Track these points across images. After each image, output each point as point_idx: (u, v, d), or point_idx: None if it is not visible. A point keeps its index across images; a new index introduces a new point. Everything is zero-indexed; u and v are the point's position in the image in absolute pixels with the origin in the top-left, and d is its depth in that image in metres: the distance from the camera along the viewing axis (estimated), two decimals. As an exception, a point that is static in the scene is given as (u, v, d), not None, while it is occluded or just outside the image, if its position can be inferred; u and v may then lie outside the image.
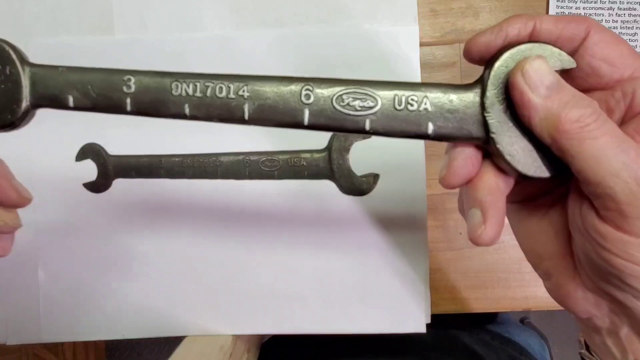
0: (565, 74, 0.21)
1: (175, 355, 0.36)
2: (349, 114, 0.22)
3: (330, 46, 0.38)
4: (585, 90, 0.21)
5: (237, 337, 0.39)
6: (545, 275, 0.24)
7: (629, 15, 0.38)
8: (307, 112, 0.23)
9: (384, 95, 0.22)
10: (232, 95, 0.23)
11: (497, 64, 0.21)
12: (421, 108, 0.22)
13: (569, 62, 0.21)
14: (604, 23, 0.38)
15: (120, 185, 0.39)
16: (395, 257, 0.38)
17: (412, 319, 0.38)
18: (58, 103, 0.24)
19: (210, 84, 0.23)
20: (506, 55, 0.21)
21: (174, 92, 0.23)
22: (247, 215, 0.38)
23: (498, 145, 0.21)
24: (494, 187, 0.21)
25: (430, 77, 0.39)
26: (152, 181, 0.38)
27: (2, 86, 0.24)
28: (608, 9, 0.38)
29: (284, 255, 0.38)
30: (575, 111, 0.19)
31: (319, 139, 0.38)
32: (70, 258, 0.39)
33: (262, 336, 0.49)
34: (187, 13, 0.38)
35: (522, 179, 0.22)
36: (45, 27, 0.39)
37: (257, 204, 0.38)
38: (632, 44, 0.38)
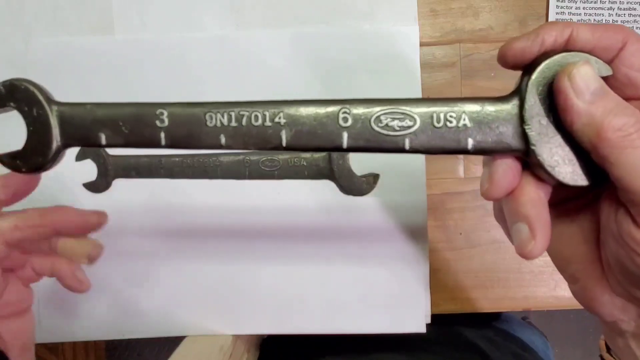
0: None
1: (175, 355, 0.36)
2: (389, 135, 0.22)
3: (330, 46, 0.38)
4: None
5: (237, 337, 0.39)
6: (572, 279, 0.24)
7: (629, 15, 0.38)
8: (345, 136, 0.22)
9: (422, 114, 0.22)
10: (268, 123, 0.22)
11: (535, 75, 0.21)
12: (460, 124, 0.21)
13: (605, 70, 0.20)
14: (603, 23, 0.38)
15: (120, 185, 0.39)
16: (395, 257, 0.38)
17: (412, 319, 0.38)
18: (90, 142, 0.24)
19: (246, 113, 0.22)
20: (543, 65, 0.21)
21: (208, 123, 0.23)
22: (247, 215, 0.38)
23: (539, 157, 0.21)
24: (536, 199, 0.21)
25: (430, 77, 0.39)
26: (152, 181, 0.38)
27: (31, 128, 0.24)
28: (608, 9, 0.38)
29: (284, 255, 0.38)
30: (618, 119, 0.19)
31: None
32: (70, 258, 0.39)
33: (262, 336, 0.49)
34: (187, 13, 0.38)
35: (560, 187, 0.22)
36: (45, 27, 0.39)
37: (257, 204, 0.38)
38: (632, 44, 0.38)
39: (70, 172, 0.38)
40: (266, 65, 0.38)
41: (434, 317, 0.38)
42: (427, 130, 0.22)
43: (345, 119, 0.22)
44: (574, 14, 0.38)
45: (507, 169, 0.22)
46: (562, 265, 0.24)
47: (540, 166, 0.21)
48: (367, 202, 0.38)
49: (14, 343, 0.29)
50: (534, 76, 0.21)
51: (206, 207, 0.38)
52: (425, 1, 0.38)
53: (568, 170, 0.21)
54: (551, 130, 0.21)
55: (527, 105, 0.21)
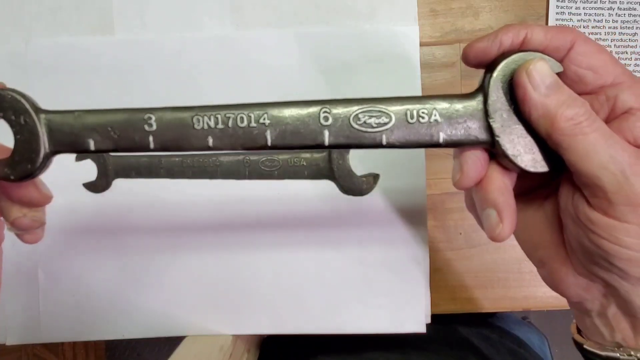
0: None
1: (175, 355, 0.36)
2: (367, 131, 0.23)
3: (330, 46, 0.38)
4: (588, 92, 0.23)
5: (237, 337, 0.39)
6: (540, 263, 0.26)
7: (629, 15, 0.38)
8: (327, 133, 0.24)
9: (397, 111, 0.23)
10: (253, 124, 0.24)
11: (496, 73, 0.23)
12: (431, 120, 0.23)
13: (557, 67, 0.22)
14: (604, 23, 0.38)
15: (120, 185, 0.39)
16: (395, 257, 0.38)
17: (412, 319, 0.38)
18: (78, 148, 0.25)
19: (232, 115, 0.24)
20: (503, 64, 0.23)
21: (196, 126, 0.24)
22: (247, 215, 0.38)
23: (503, 147, 0.23)
24: (502, 186, 0.24)
25: (430, 77, 0.39)
26: (152, 181, 0.38)
27: (19, 136, 0.24)
28: (608, 9, 0.38)
29: (284, 256, 0.38)
30: (570, 110, 0.21)
31: (319, 139, 0.38)
32: (70, 258, 0.39)
33: (262, 336, 0.49)
34: (187, 13, 0.38)
35: (523, 174, 0.24)
36: (45, 27, 0.39)
37: (257, 204, 0.38)
38: (632, 44, 0.38)
39: (70, 172, 0.38)
40: (266, 65, 0.38)
41: (433, 317, 0.38)
42: (401, 126, 0.23)
43: (326, 118, 0.23)
44: (574, 14, 0.38)
45: (476, 159, 0.24)
46: (530, 251, 0.26)
47: (505, 155, 0.23)
48: (367, 202, 0.38)
49: None
50: (495, 74, 0.23)
51: (206, 208, 0.38)
52: (425, 1, 0.38)
53: (529, 158, 0.23)
54: (513, 122, 0.23)
55: (490, 101, 0.23)
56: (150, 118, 0.24)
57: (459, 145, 0.24)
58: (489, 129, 0.23)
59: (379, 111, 0.23)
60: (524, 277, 0.39)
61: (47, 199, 0.27)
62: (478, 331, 0.49)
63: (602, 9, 0.38)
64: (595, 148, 0.21)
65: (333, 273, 0.38)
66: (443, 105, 0.23)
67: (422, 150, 0.37)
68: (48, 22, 0.39)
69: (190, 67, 0.38)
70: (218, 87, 0.38)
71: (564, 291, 0.25)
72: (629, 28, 0.38)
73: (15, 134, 0.24)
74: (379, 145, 0.24)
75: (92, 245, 0.39)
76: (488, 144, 0.23)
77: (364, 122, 0.23)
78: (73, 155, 0.38)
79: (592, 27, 0.38)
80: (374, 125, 0.23)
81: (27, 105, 0.24)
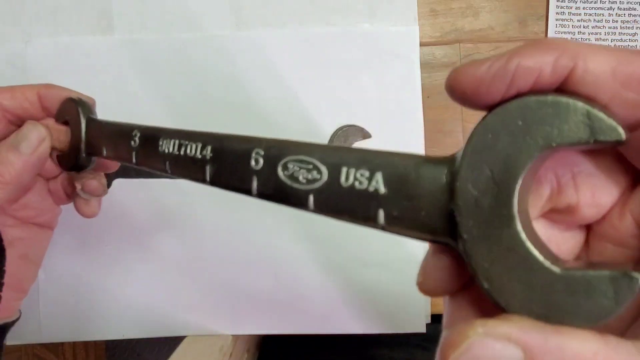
0: (601, 147, 0.13)
1: (175, 355, 0.36)
2: (293, 187, 0.18)
3: (330, 46, 0.38)
4: None
5: (237, 337, 0.39)
6: None
7: (629, 15, 0.38)
8: (254, 180, 0.19)
9: (331, 166, 0.17)
10: (198, 156, 0.21)
11: (479, 130, 0.14)
12: (371, 188, 0.16)
13: (608, 132, 0.12)
14: (604, 23, 0.38)
15: (120, 185, 0.39)
16: (395, 257, 0.38)
17: (413, 319, 0.38)
18: (96, 154, 0.28)
19: (185, 142, 0.22)
20: (492, 115, 0.14)
21: (159, 149, 0.23)
22: (247, 215, 0.38)
23: (470, 261, 0.14)
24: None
25: (430, 77, 0.39)
26: (152, 181, 0.38)
27: (72, 137, 0.28)
28: (608, 9, 0.38)
29: (284, 256, 0.38)
30: None
31: (319, 138, 0.38)
32: (70, 258, 0.39)
33: (262, 336, 0.49)
34: (187, 13, 0.38)
35: None
36: (45, 27, 0.39)
37: (257, 204, 0.38)
38: (632, 44, 0.38)
39: (70, 172, 0.38)
40: (266, 65, 0.38)
41: (433, 317, 0.38)
42: (333, 188, 0.17)
43: (257, 161, 0.19)
44: (574, 14, 0.38)
45: (442, 263, 0.16)
46: None
47: (473, 274, 0.14)
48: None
49: (16, 250, 0.30)
50: (477, 131, 0.14)
51: (206, 207, 0.38)
52: (425, 1, 0.38)
53: (514, 289, 0.13)
54: (497, 223, 0.13)
55: (460, 178, 0.14)
56: (136, 135, 0.25)
57: (406, 234, 0.16)
58: (452, 222, 0.14)
59: (310, 163, 0.17)
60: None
61: (115, 165, 0.31)
62: None
63: (602, 9, 0.38)
64: None
65: (333, 273, 0.38)
66: (391, 166, 0.16)
67: (422, 151, 0.37)
68: (48, 22, 0.39)
69: (190, 67, 0.38)
70: (218, 87, 0.38)
71: None
72: (629, 28, 0.38)
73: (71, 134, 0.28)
74: (305, 208, 0.18)
75: (92, 245, 0.39)
76: (450, 245, 0.15)
77: (292, 174, 0.18)
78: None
79: (592, 27, 0.38)
80: (302, 180, 0.18)
81: (80, 113, 0.28)
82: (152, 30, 0.39)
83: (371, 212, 0.16)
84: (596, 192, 0.15)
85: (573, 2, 0.38)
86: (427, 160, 0.15)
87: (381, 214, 0.16)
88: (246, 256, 0.38)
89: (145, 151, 0.24)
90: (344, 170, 0.17)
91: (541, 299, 0.13)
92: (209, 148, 0.21)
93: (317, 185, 0.17)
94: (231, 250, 0.38)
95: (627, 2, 0.37)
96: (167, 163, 0.23)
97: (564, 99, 0.12)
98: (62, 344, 1.10)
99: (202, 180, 0.21)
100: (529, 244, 0.13)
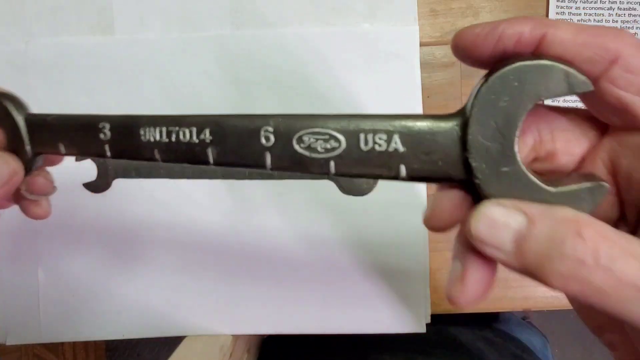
0: (582, 97, 0.18)
1: (175, 355, 0.36)
2: (312, 157, 0.19)
3: (330, 46, 0.38)
4: (617, 129, 0.17)
5: (237, 337, 0.39)
6: (611, 346, 0.20)
7: (629, 15, 0.38)
8: (268, 156, 0.20)
9: (348, 135, 0.19)
10: (195, 140, 0.21)
11: (483, 91, 0.17)
12: (390, 149, 0.18)
13: (584, 85, 0.16)
14: (604, 23, 0.38)
15: (120, 185, 0.39)
16: (395, 257, 0.38)
17: (412, 319, 0.38)
18: (52, 151, 0.25)
19: (173, 129, 0.22)
20: (494, 77, 0.17)
21: (143, 138, 0.22)
22: (247, 215, 0.38)
23: (485, 193, 0.17)
24: None
25: (430, 77, 0.39)
26: (152, 181, 0.38)
27: (8, 137, 0.25)
28: (608, 9, 0.38)
29: (284, 256, 0.38)
30: (558, 264, 0.15)
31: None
32: (70, 258, 0.39)
33: (262, 336, 0.49)
34: (187, 13, 0.38)
35: None
36: (45, 27, 0.39)
37: (257, 204, 0.38)
38: (632, 44, 0.38)
39: (70, 172, 0.38)
40: (266, 65, 0.38)
41: (433, 317, 0.38)
42: (354, 153, 0.19)
43: (267, 138, 0.20)
44: (574, 14, 0.38)
45: (453, 199, 0.18)
46: (597, 332, 0.20)
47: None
48: (367, 202, 0.38)
49: None
50: (480, 92, 0.17)
51: (206, 208, 0.38)
52: (425, 1, 0.38)
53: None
54: (505, 162, 0.17)
55: (471, 129, 0.17)
56: (104, 127, 0.23)
57: (427, 181, 0.19)
58: (468, 167, 0.17)
59: (327, 134, 0.19)
60: (524, 277, 0.39)
61: (59, 159, 0.28)
62: (482, 335, 0.49)
63: (602, 9, 0.38)
64: (607, 290, 0.14)
65: (333, 273, 0.38)
66: (408, 129, 0.18)
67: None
68: (48, 22, 0.39)
69: (190, 67, 0.38)
70: (218, 87, 0.38)
71: None
72: (629, 28, 0.38)
73: (5, 134, 0.25)
74: (327, 173, 0.19)
75: (93, 245, 0.39)
76: (466, 185, 0.18)
77: (309, 145, 0.19)
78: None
79: (592, 27, 0.38)
80: (320, 150, 0.19)
81: (12, 111, 0.24)
82: (152, 30, 0.39)
83: (393, 168, 0.18)
84: (569, 143, 0.19)
85: (573, 2, 0.38)
86: (437, 118, 0.18)
87: (403, 169, 0.18)
88: (246, 256, 0.38)
89: (124, 143, 0.23)
90: (362, 136, 0.18)
91: None
92: (206, 131, 0.21)
93: (337, 152, 0.19)
94: (231, 250, 0.38)
95: (627, 2, 0.37)
96: (156, 151, 0.22)
97: (548, 63, 0.16)
98: (62, 344, 1.10)
99: (203, 162, 0.21)
100: (529, 174, 0.17)
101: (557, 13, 0.38)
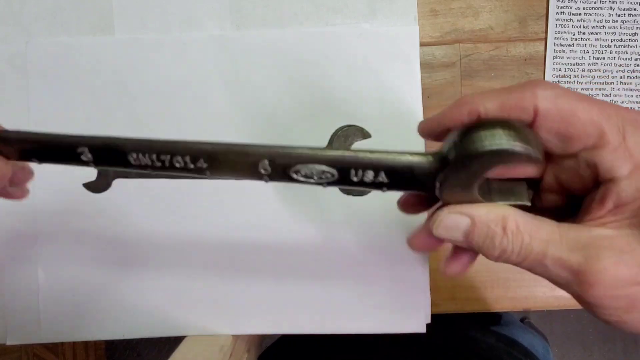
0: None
1: (175, 355, 0.36)
2: (308, 182, 0.23)
3: (330, 46, 0.38)
4: (559, 157, 0.22)
5: (237, 337, 0.39)
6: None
7: (629, 15, 0.38)
8: (266, 178, 0.23)
9: (340, 169, 0.22)
10: (190, 166, 0.23)
11: (452, 162, 0.21)
12: (377, 181, 0.22)
13: (531, 155, 0.20)
14: (604, 23, 0.38)
15: (120, 185, 0.39)
16: (395, 257, 0.38)
17: (412, 319, 0.38)
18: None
19: (165, 157, 0.23)
20: (457, 159, 0.21)
21: (132, 162, 0.23)
22: (247, 215, 0.38)
23: (444, 201, 0.23)
24: None
25: (430, 77, 0.39)
26: (152, 181, 0.38)
27: None
28: (608, 9, 0.38)
29: (283, 255, 0.38)
30: (494, 249, 0.22)
31: (320, 139, 0.38)
32: (70, 258, 0.39)
33: (262, 336, 0.49)
34: (187, 13, 0.38)
35: None
36: (45, 27, 0.39)
37: (257, 204, 0.38)
38: (632, 44, 0.38)
39: (70, 172, 0.38)
40: (266, 65, 0.38)
41: (434, 317, 0.38)
42: (344, 181, 0.23)
43: (265, 169, 0.23)
44: (574, 14, 0.38)
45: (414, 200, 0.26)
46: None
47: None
48: (367, 202, 0.38)
49: None
50: (450, 164, 0.21)
51: (206, 208, 0.38)
52: (425, 1, 0.38)
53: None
54: (462, 192, 0.22)
55: (446, 177, 0.21)
56: (82, 151, 0.23)
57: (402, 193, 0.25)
58: (436, 189, 0.22)
59: (319, 169, 0.22)
60: (524, 277, 0.39)
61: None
62: (484, 340, 0.49)
63: (602, 9, 0.38)
64: (522, 263, 0.21)
65: (333, 273, 0.38)
66: (393, 165, 0.22)
67: (422, 149, 0.37)
68: (48, 22, 0.39)
69: (190, 67, 0.38)
70: (218, 87, 0.38)
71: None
72: (629, 28, 0.38)
73: None
74: (320, 186, 0.23)
75: (92, 245, 0.39)
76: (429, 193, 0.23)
77: (305, 174, 0.23)
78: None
79: (592, 27, 0.38)
80: (315, 178, 0.23)
81: None
82: (152, 30, 0.39)
83: (378, 189, 0.23)
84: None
85: (573, 2, 0.38)
86: (417, 155, 0.22)
87: (386, 189, 0.23)
88: (246, 256, 0.38)
89: (111, 165, 0.23)
90: (352, 172, 0.22)
91: None
92: (201, 160, 0.23)
93: (330, 180, 0.23)
94: (231, 250, 0.38)
95: (627, 2, 0.37)
96: (149, 170, 0.23)
97: (496, 122, 0.20)
98: (62, 344, 1.10)
99: (200, 177, 0.24)
100: (479, 197, 0.22)
101: (557, 13, 0.38)
